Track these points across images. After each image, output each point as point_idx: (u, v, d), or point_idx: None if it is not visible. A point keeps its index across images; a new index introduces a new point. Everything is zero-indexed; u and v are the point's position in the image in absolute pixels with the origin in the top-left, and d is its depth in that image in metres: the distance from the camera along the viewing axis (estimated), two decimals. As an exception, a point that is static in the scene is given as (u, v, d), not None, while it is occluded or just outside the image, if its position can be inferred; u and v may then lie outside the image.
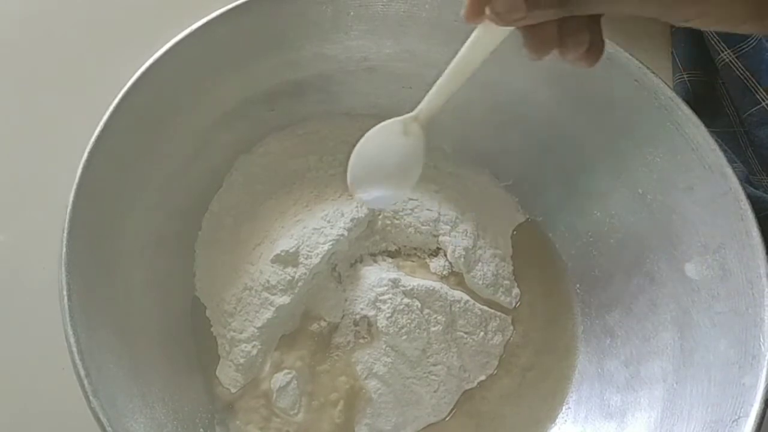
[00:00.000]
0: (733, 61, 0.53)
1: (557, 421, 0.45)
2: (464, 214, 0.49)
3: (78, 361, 0.34)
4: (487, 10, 0.28)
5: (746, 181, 0.51)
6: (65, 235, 0.36)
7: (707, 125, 0.40)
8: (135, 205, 0.42)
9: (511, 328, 0.47)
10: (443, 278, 0.47)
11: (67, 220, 0.36)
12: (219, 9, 0.42)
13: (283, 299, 0.43)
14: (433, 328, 0.44)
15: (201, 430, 0.41)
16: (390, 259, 0.47)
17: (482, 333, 0.46)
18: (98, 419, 0.33)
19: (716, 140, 0.40)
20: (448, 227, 0.47)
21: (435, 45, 0.46)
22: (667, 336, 0.42)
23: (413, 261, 0.48)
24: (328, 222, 0.45)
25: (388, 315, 0.43)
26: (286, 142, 0.49)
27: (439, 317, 0.44)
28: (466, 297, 0.46)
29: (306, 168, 0.49)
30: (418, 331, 0.44)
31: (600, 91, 0.44)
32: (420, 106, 0.33)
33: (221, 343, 0.44)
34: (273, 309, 0.43)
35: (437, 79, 0.49)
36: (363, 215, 0.46)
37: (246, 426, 0.43)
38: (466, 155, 0.51)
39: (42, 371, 0.45)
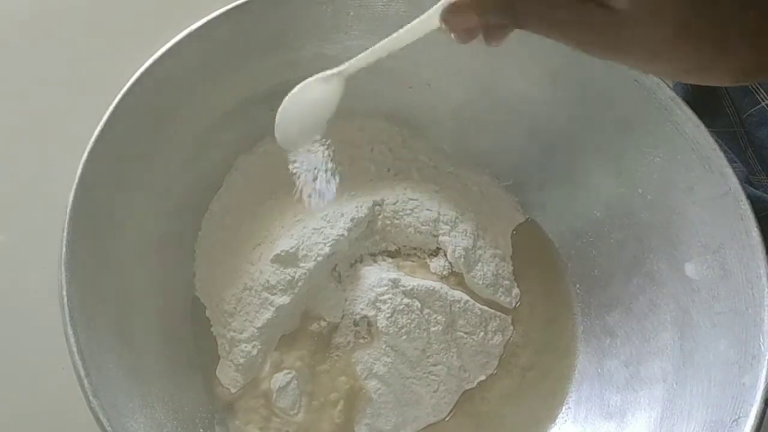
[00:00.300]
0: (733, 60, 0.53)
1: (557, 421, 0.45)
2: (464, 214, 0.49)
3: (78, 361, 0.34)
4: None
5: (746, 181, 0.51)
6: (65, 235, 0.36)
7: (707, 125, 0.40)
8: (135, 205, 0.42)
9: (511, 328, 0.47)
10: (443, 278, 0.47)
11: (67, 220, 0.37)
12: (219, 9, 0.42)
13: (283, 299, 0.43)
14: (433, 328, 0.44)
15: (201, 430, 0.41)
16: (390, 259, 0.47)
17: (482, 333, 0.46)
18: (98, 419, 0.33)
19: (716, 140, 0.40)
20: (448, 227, 0.47)
21: (435, 45, 0.46)
22: (667, 336, 0.42)
23: (413, 261, 0.48)
24: (328, 222, 0.45)
25: (388, 315, 0.43)
26: (286, 142, 0.49)
27: (439, 317, 0.44)
28: (466, 297, 0.46)
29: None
30: (418, 331, 0.44)
31: (600, 91, 0.44)
32: (346, 64, 0.34)
33: (221, 343, 0.44)
34: (273, 309, 0.43)
35: (437, 79, 0.49)
36: (363, 215, 0.46)
37: (246, 426, 0.43)
38: (466, 155, 0.51)
39: (42, 371, 0.45)
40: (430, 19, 0.32)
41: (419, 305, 0.44)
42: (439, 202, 0.48)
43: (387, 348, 0.43)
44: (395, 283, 0.44)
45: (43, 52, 0.56)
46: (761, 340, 0.36)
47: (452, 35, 0.32)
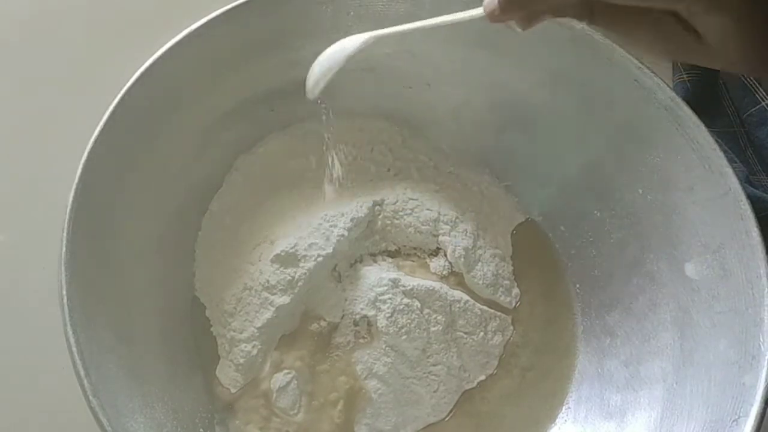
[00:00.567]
0: (733, 60, 0.53)
1: (557, 421, 0.45)
2: (464, 214, 0.49)
3: (78, 361, 0.34)
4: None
5: (746, 181, 0.51)
6: (65, 235, 0.36)
7: (707, 125, 0.40)
8: (135, 205, 0.42)
9: (511, 328, 0.47)
10: (443, 278, 0.47)
11: (67, 220, 0.36)
12: (219, 9, 0.42)
13: (283, 299, 0.43)
14: (433, 328, 0.44)
15: (201, 429, 0.41)
16: (390, 259, 0.47)
17: (482, 333, 0.46)
18: (98, 419, 0.33)
19: (716, 140, 0.40)
20: (448, 227, 0.47)
21: (435, 45, 0.46)
22: (667, 336, 0.42)
23: (413, 261, 0.48)
24: (328, 222, 0.45)
25: (388, 315, 0.43)
26: (286, 142, 0.49)
27: (439, 317, 0.44)
28: (466, 297, 0.46)
29: (306, 168, 0.49)
30: (418, 331, 0.44)
31: (600, 91, 0.44)
32: (382, 31, 0.36)
33: (221, 343, 0.44)
34: (273, 309, 0.43)
35: (437, 79, 0.49)
36: (363, 215, 0.46)
37: (246, 426, 0.43)
38: (466, 155, 0.51)
39: (42, 371, 0.45)
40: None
41: (419, 305, 0.44)
42: (439, 202, 0.48)
43: (387, 348, 0.43)
44: (395, 283, 0.44)
45: (43, 52, 0.55)
46: (761, 340, 0.36)
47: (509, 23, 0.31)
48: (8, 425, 0.45)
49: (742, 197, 0.39)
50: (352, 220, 0.45)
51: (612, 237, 0.46)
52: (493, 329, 0.46)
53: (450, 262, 0.47)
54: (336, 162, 0.44)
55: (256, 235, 0.46)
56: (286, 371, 0.43)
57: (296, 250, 0.44)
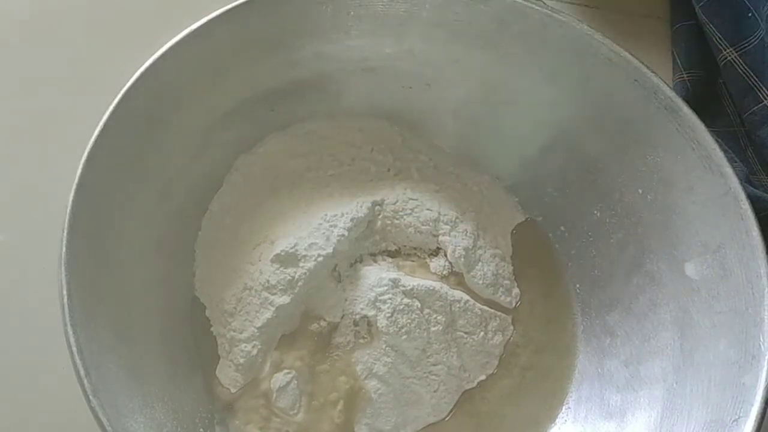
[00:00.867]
0: (735, 59, 0.53)
1: (557, 421, 0.45)
2: (464, 214, 0.49)
3: (78, 361, 0.34)
4: None
5: (746, 180, 0.51)
6: (65, 235, 0.36)
7: (707, 125, 0.40)
8: (135, 205, 0.42)
9: (511, 327, 0.47)
10: (443, 278, 0.47)
11: (67, 220, 0.36)
12: (219, 9, 0.42)
13: (283, 299, 0.43)
14: (433, 328, 0.44)
15: (201, 429, 0.41)
16: (390, 259, 0.47)
17: (482, 333, 0.46)
18: (98, 419, 0.33)
19: (716, 140, 0.40)
20: (448, 227, 0.47)
21: (435, 45, 0.46)
22: (667, 336, 0.42)
23: (413, 261, 0.48)
24: (328, 222, 0.45)
25: (388, 315, 0.43)
26: (286, 142, 0.49)
27: (439, 317, 0.44)
28: (466, 297, 0.46)
29: (306, 168, 0.49)
30: (418, 331, 0.44)
31: (600, 91, 0.44)
32: None
33: (221, 343, 0.44)
34: (273, 309, 0.43)
35: (437, 79, 0.49)
36: (363, 215, 0.46)
37: (246, 426, 0.43)
38: (466, 155, 0.51)
39: (42, 371, 0.45)
40: None
41: (419, 305, 0.44)
42: (439, 202, 0.48)
43: (387, 348, 0.43)
44: (395, 282, 0.44)
45: (43, 52, 0.55)
46: (761, 340, 0.36)
47: None
48: (8, 425, 0.45)
49: (742, 197, 0.38)
50: (352, 220, 0.45)
51: (612, 237, 0.46)
52: (493, 329, 0.46)
53: (450, 262, 0.47)
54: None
55: (256, 235, 0.46)
56: (286, 371, 0.43)
57: (296, 250, 0.44)
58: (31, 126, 0.52)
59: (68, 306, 0.35)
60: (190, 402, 0.42)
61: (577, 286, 0.48)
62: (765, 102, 0.51)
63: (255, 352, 0.43)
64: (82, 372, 0.34)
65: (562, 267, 0.49)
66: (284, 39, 0.45)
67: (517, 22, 0.43)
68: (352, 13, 0.44)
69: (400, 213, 0.47)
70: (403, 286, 0.44)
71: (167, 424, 0.39)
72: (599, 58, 0.42)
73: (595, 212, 0.47)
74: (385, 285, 0.44)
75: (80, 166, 0.38)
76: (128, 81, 0.40)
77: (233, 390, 0.43)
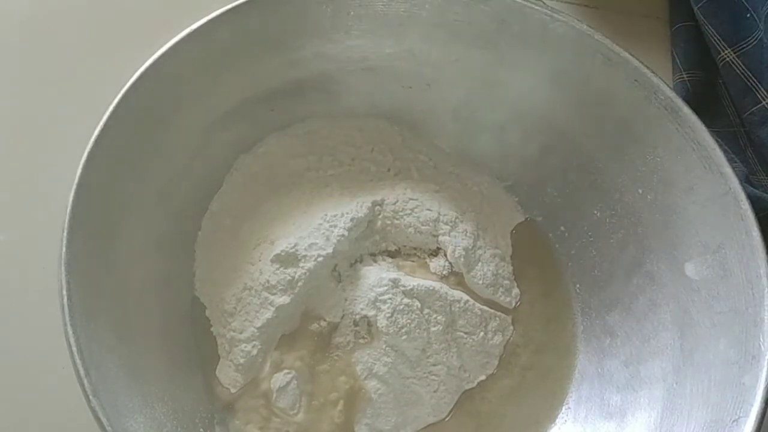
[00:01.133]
0: (733, 60, 0.53)
1: (557, 421, 0.45)
2: (464, 214, 0.49)
3: (78, 361, 0.34)
4: None
5: (746, 180, 0.51)
6: (65, 235, 0.36)
7: (707, 125, 0.40)
8: (135, 205, 0.42)
9: (511, 327, 0.47)
10: (443, 278, 0.47)
11: (67, 220, 0.36)
12: (219, 9, 0.42)
13: (283, 299, 0.43)
14: (433, 328, 0.44)
15: (201, 429, 0.41)
16: (390, 259, 0.47)
17: (482, 333, 0.46)
18: (98, 419, 0.33)
19: (716, 140, 0.40)
20: (448, 227, 0.47)
21: (435, 45, 0.46)
22: (667, 336, 0.42)
23: (413, 261, 0.48)
24: (328, 222, 0.45)
25: (388, 315, 0.43)
26: (286, 142, 0.49)
27: (439, 317, 0.44)
28: (466, 297, 0.46)
29: (306, 168, 0.49)
30: (418, 331, 0.44)
31: (600, 91, 0.44)
32: None
33: (221, 343, 0.44)
34: (273, 309, 0.43)
35: (437, 79, 0.49)
36: (363, 215, 0.46)
37: (246, 426, 0.43)
38: (466, 155, 0.51)
39: (42, 371, 0.45)
40: None
41: (419, 305, 0.44)
42: (439, 202, 0.48)
43: (387, 348, 0.43)
44: (395, 283, 0.44)
45: (43, 52, 0.55)
46: (761, 340, 0.36)
47: None
48: (8, 425, 0.45)
49: (742, 197, 0.39)
50: (352, 220, 0.45)
51: (612, 237, 0.46)
52: (493, 329, 0.46)
53: (450, 262, 0.47)
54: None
55: (256, 235, 0.46)
56: (286, 371, 0.43)
57: (296, 250, 0.44)
58: (31, 126, 0.52)
59: (68, 306, 0.35)
60: (190, 402, 0.42)
61: (577, 286, 0.48)
62: (763, 103, 0.51)
63: (255, 352, 0.43)
64: (82, 372, 0.34)
65: (562, 267, 0.49)
66: (284, 39, 0.45)
67: (517, 22, 0.43)
68: (352, 13, 0.44)
69: (400, 213, 0.47)
70: (403, 286, 0.44)
71: (167, 424, 0.39)
72: (599, 58, 0.42)
73: (595, 212, 0.47)
74: (385, 285, 0.44)
75: (80, 166, 0.38)
76: (128, 81, 0.40)
77: (233, 390, 0.43)
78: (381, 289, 0.44)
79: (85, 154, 0.38)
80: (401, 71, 0.48)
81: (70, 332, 0.34)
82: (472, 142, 0.51)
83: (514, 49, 0.45)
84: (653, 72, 0.41)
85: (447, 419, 0.45)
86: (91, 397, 0.33)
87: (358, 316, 0.44)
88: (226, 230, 0.47)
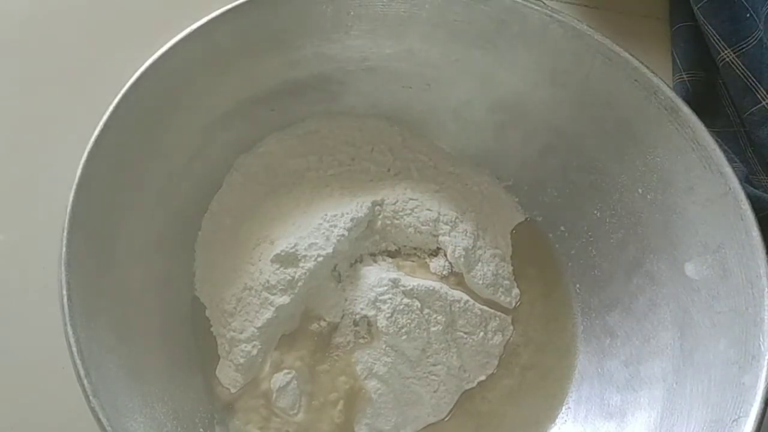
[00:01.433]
0: (733, 60, 0.53)
1: (557, 421, 0.45)
2: (464, 214, 0.49)
3: (78, 361, 0.34)
4: None
5: (746, 180, 0.51)
6: (65, 235, 0.36)
7: (707, 125, 0.40)
8: (135, 205, 0.42)
9: (511, 327, 0.47)
10: (443, 278, 0.47)
11: (67, 220, 0.36)
12: (219, 9, 0.42)
13: (283, 299, 0.43)
14: (433, 328, 0.44)
15: (201, 429, 0.41)
16: (390, 259, 0.47)
17: (482, 333, 0.46)
18: (98, 419, 0.33)
19: (716, 140, 0.40)
20: (448, 227, 0.47)
21: (435, 45, 0.46)
22: (667, 336, 0.42)
23: (413, 261, 0.48)
24: (328, 222, 0.45)
25: (388, 315, 0.43)
26: (286, 142, 0.49)
27: (439, 317, 0.44)
28: (466, 297, 0.46)
29: (306, 168, 0.49)
30: (418, 331, 0.44)
31: (600, 91, 0.44)
32: None
33: (221, 343, 0.44)
34: (273, 309, 0.43)
35: (437, 79, 0.49)
36: (363, 215, 0.46)
37: (246, 426, 0.43)
38: (466, 155, 0.51)
39: (42, 371, 0.45)
40: None
41: (419, 305, 0.44)
42: (439, 202, 0.48)
43: (387, 348, 0.43)
44: (395, 283, 0.44)
45: (43, 52, 0.55)
46: (761, 340, 0.36)
47: None
48: (8, 425, 0.45)
49: (742, 197, 0.39)
50: (352, 220, 0.45)
51: (612, 237, 0.46)
52: (493, 329, 0.46)
53: (450, 262, 0.47)
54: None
55: (256, 235, 0.46)
56: (286, 371, 0.43)
57: (296, 250, 0.44)
58: (31, 126, 0.52)
59: (68, 306, 0.35)
60: (190, 402, 0.42)
61: (577, 286, 0.48)
62: (763, 103, 0.51)
63: (255, 352, 0.43)
64: (82, 372, 0.34)
65: (562, 267, 0.49)
66: (284, 39, 0.45)
67: (517, 22, 0.43)
68: (352, 13, 0.44)
69: (400, 213, 0.47)
70: (403, 286, 0.44)
71: (167, 424, 0.39)
72: (599, 58, 0.42)
73: (595, 212, 0.47)
74: (385, 285, 0.44)
75: (80, 166, 0.38)
76: (128, 81, 0.40)
77: (233, 390, 0.43)
78: (381, 289, 0.44)
79: (85, 154, 0.38)
80: (401, 71, 0.48)
81: (70, 332, 0.34)
82: (472, 142, 0.51)
83: (513, 49, 0.45)
84: (653, 72, 0.41)
85: (447, 419, 0.45)
86: (91, 397, 0.33)
87: (358, 316, 0.44)
88: (226, 230, 0.47)
